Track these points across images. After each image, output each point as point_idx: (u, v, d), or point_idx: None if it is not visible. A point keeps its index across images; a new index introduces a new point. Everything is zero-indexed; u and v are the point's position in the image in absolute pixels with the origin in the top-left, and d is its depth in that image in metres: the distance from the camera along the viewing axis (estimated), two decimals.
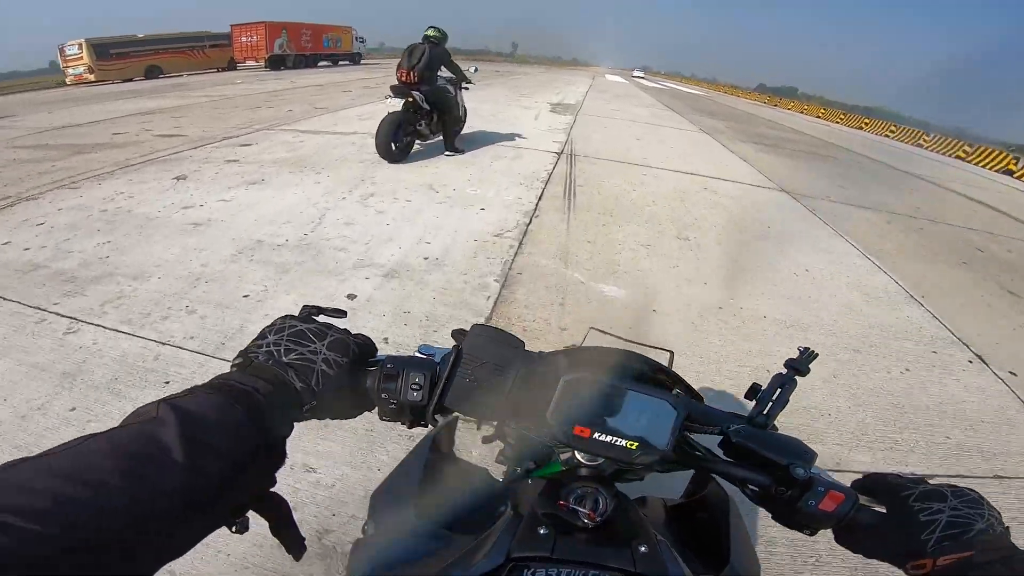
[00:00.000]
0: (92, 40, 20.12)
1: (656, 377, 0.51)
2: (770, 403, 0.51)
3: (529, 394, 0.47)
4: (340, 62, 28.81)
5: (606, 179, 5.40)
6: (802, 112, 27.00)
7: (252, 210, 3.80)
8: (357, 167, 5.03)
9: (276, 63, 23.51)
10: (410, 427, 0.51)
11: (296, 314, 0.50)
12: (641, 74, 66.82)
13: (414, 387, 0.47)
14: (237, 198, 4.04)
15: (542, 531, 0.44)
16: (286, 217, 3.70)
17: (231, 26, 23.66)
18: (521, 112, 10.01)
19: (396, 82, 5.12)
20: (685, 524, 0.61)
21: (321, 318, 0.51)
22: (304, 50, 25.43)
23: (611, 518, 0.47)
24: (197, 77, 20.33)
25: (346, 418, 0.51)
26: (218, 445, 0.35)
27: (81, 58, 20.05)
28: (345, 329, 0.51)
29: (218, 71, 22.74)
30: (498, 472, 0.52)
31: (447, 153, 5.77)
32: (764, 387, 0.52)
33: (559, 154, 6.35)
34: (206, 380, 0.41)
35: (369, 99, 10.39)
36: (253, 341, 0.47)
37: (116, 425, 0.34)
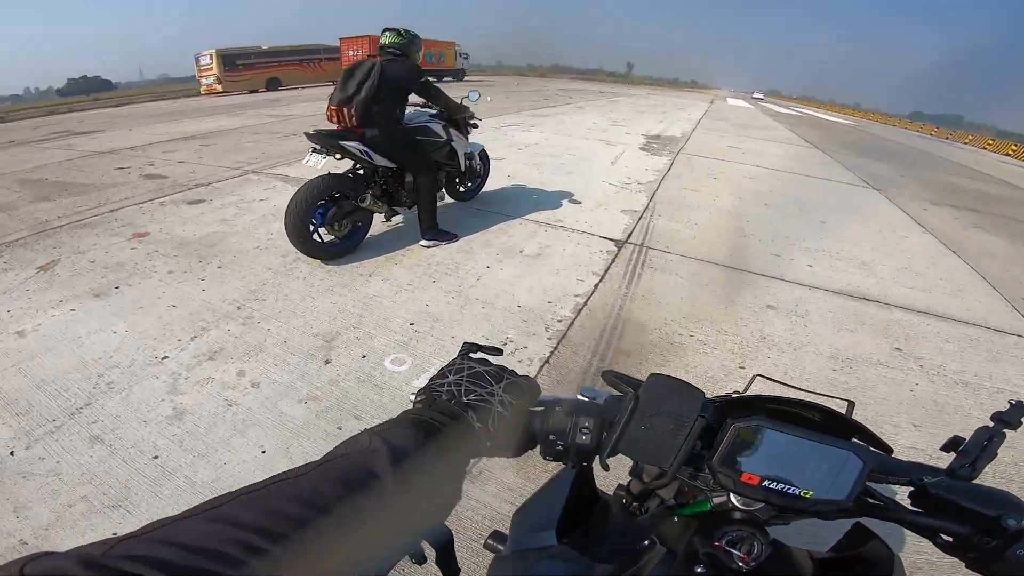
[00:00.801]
0: (221, 51, 21.63)
1: (836, 425, 0.48)
2: (976, 456, 0.47)
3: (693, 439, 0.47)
4: (444, 78, 28.76)
5: (700, 326, 2.67)
6: (985, 147, 20.82)
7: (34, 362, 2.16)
8: (265, 270, 3.12)
9: None
10: (572, 468, 0.56)
11: (461, 350, 0.57)
12: (760, 95, 60.00)
13: (583, 431, 0.50)
14: (43, 328, 2.44)
15: (699, 570, 0.44)
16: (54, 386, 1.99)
17: (340, 40, 24.57)
18: (601, 149, 7.73)
19: (332, 125, 3.10)
20: None
21: (478, 355, 0.57)
22: None
23: (764, 566, 0.45)
24: (307, 90, 21.09)
25: (512, 456, 0.52)
26: (417, 473, 0.38)
27: (212, 68, 21.81)
28: (513, 371, 0.54)
29: (332, 84, 23.55)
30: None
31: (424, 242, 3.55)
32: (967, 440, 0.49)
33: (621, 244, 3.82)
34: None
35: None
36: (434, 379, 0.52)
37: (331, 450, 0.40)
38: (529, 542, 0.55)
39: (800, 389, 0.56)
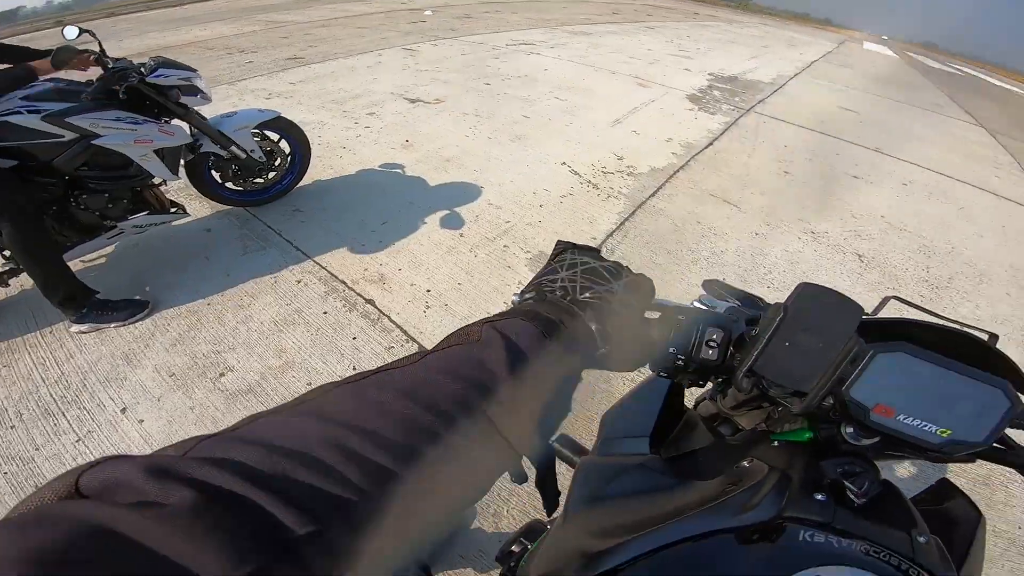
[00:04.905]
0: None
1: (984, 359, 0.43)
2: None
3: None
4: None
5: None
6: None
7: None
8: None
9: None
10: (688, 387, 0.51)
11: (556, 248, 0.48)
12: (883, 44, 44.95)
13: (711, 344, 0.44)
14: None
15: (819, 497, 0.42)
16: None
17: None
18: (622, 94, 4.86)
19: None
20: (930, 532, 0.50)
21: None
22: None
23: (879, 502, 0.43)
24: None
25: (628, 369, 0.46)
26: (531, 375, 0.33)
27: None
28: (629, 268, 0.47)
29: None
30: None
31: (72, 326, 1.79)
32: None
33: None
34: None
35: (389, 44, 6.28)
36: (543, 276, 0.45)
37: (441, 341, 0.34)
38: (620, 448, 0.53)
39: (940, 316, 0.52)
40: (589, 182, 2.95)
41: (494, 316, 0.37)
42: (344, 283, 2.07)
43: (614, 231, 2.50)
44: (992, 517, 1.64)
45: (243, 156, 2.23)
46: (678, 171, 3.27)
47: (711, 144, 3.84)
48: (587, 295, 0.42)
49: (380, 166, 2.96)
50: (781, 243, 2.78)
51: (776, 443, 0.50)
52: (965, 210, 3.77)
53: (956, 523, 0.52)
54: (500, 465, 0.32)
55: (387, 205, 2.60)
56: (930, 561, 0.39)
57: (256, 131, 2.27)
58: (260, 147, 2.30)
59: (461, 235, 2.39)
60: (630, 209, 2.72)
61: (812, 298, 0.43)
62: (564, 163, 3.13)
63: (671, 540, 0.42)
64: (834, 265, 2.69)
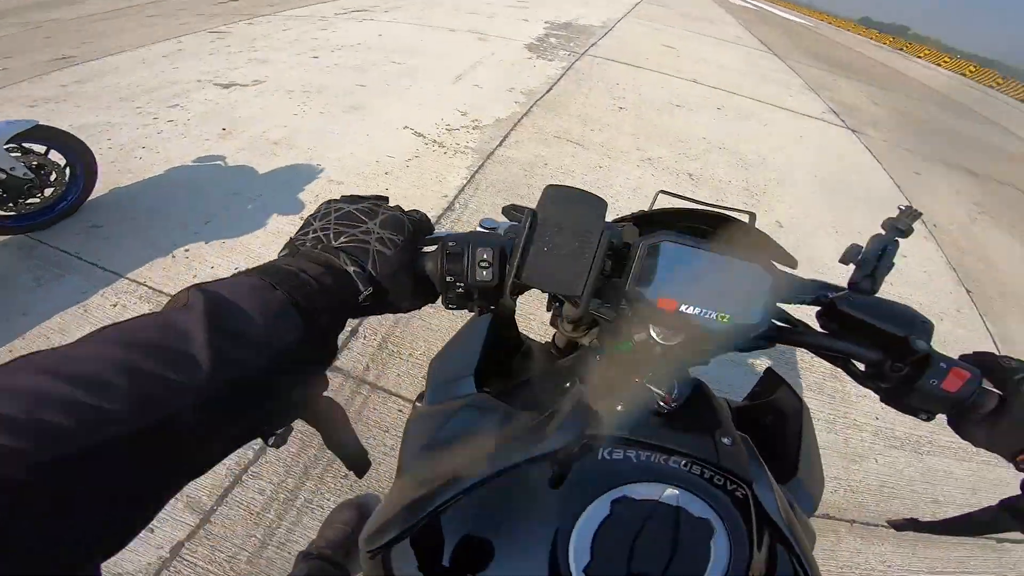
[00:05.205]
0: None
1: (744, 239, 0.44)
2: (874, 266, 0.45)
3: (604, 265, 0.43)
4: None
5: None
6: (941, 64, 18.93)
7: None
8: None
9: None
10: (479, 313, 0.48)
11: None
12: None
13: (483, 264, 0.42)
14: None
15: (619, 409, 0.42)
16: None
17: None
18: (460, 51, 4.77)
19: None
20: (750, 428, 0.50)
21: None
22: None
23: (689, 405, 0.43)
24: None
25: (407, 310, 0.45)
26: (253, 333, 0.30)
27: None
28: (397, 205, 0.45)
29: None
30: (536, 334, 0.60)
31: None
32: (864, 249, 0.46)
33: None
34: None
35: None
36: (298, 231, 0.43)
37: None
38: (448, 392, 0.53)
39: (704, 203, 0.54)
40: (435, 141, 2.88)
41: (210, 281, 0.34)
42: (171, 296, 1.79)
43: (465, 185, 2.49)
44: (849, 411, 1.86)
45: (2, 176, 1.80)
46: (522, 118, 3.33)
47: (551, 89, 3.96)
48: (342, 240, 0.39)
49: (194, 161, 2.57)
50: (622, 172, 3.00)
51: (599, 358, 0.49)
52: (768, 126, 4.41)
53: (785, 415, 0.54)
54: (234, 432, 0.30)
55: (209, 201, 2.28)
56: (735, 463, 0.40)
57: (12, 145, 1.85)
58: (24, 163, 1.88)
59: (301, 218, 2.19)
60: (479, 161, 2.71)
61: (560, 199, 0.41)
62: (407, 127, 3.01)
63: (487, 475, 0.40)
64: (671, 186, 2.98)
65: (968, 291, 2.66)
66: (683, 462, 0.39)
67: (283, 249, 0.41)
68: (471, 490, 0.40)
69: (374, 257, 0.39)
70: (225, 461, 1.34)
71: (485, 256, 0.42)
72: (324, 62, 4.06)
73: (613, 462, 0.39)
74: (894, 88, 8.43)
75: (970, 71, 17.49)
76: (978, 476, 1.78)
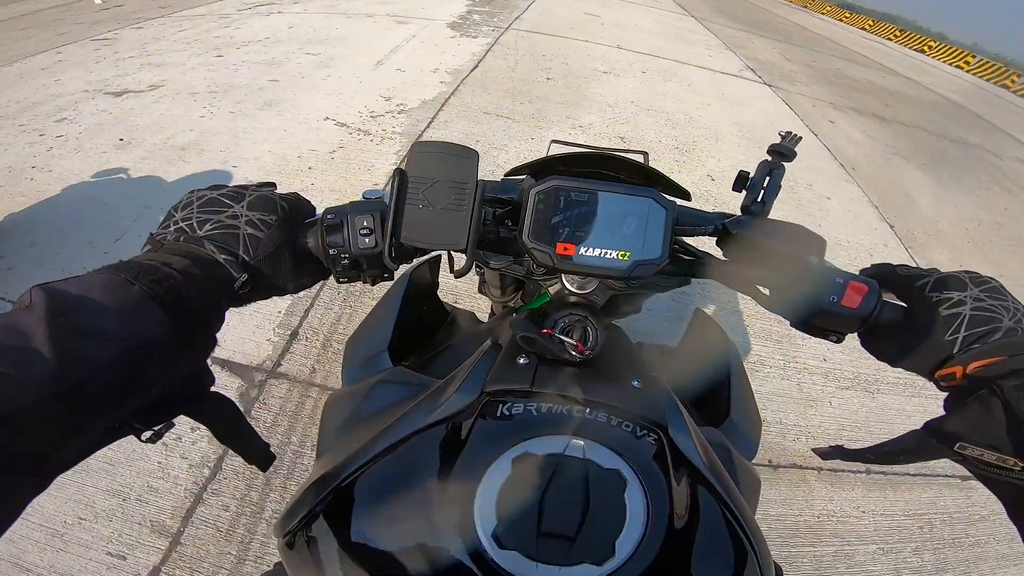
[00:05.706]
0: None
1: (636, 176, 0.45)
2: (762, 190, 0.46)
3: (496, 217, 0.44)
4: None
5: None
6: (842, 20, 20.18)
7: None
8: None
9: None
10: (373, 284, 0.45)
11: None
12: None
13: (363, 232, 0.41)
14: None
15: (521, 361, 0.41)
16: None
17: None
18: (379, 35, 4.56)
19: None
20: (684, 372, 0.54)
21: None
22: None
23: (604, 352, 0.42)
24: None
25: (295, 291, 0.43)
26: (102, 329, 0.28)
27: None
28: (269, 183, 0.43)
29: None
30: (485, 312, 0.57)
31: None
32: (752, 174, 0.47)
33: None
34: None
35: None
36: (160, 224, 0.39)
37: None
38: (365, 370, 0.52)
39: (595, 147, 0.56)
40: (359, 130, 2.75)
41: (69, 277, 0.32)
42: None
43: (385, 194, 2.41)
44: (797, 355, 1.89)
45: None
46: (449, 98, 3.25)
47: (477, 66, 3.88)
48: (208, 228, 0.37)
49: (93, 176, 2.33)
50: (560, 110, 2.98)
51: (515, 316, 0.48)
52: (692, 86, 4.52)
53: (714, 356, 0.54)
54: (97, 428, 0.29)
55: (116, 217, 2.08)
56: (645, 405, 0.39)
57: None
58: None
59: None
60: (407, 146, 2.62)
61: (430, 155, 0.40)
62: (327, 118, 2.85)
63: (387, 445, 0.38)
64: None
65: (891, 226, 2.86)
66: (589, 411, 0.37)
67: (146, 245, 0.39)
68: (374, 462, 0.38)
69: (245, 241, 0.38)
70: (179, 481, 1.25)
71: (365, 223, 0.41)
72: (230, 59, 3.78)
73: (512, 418, 0.37)
74: (804, 44, 8.89)
75: (869, 25, 18.73)
76: (929, 412, 1.91)
